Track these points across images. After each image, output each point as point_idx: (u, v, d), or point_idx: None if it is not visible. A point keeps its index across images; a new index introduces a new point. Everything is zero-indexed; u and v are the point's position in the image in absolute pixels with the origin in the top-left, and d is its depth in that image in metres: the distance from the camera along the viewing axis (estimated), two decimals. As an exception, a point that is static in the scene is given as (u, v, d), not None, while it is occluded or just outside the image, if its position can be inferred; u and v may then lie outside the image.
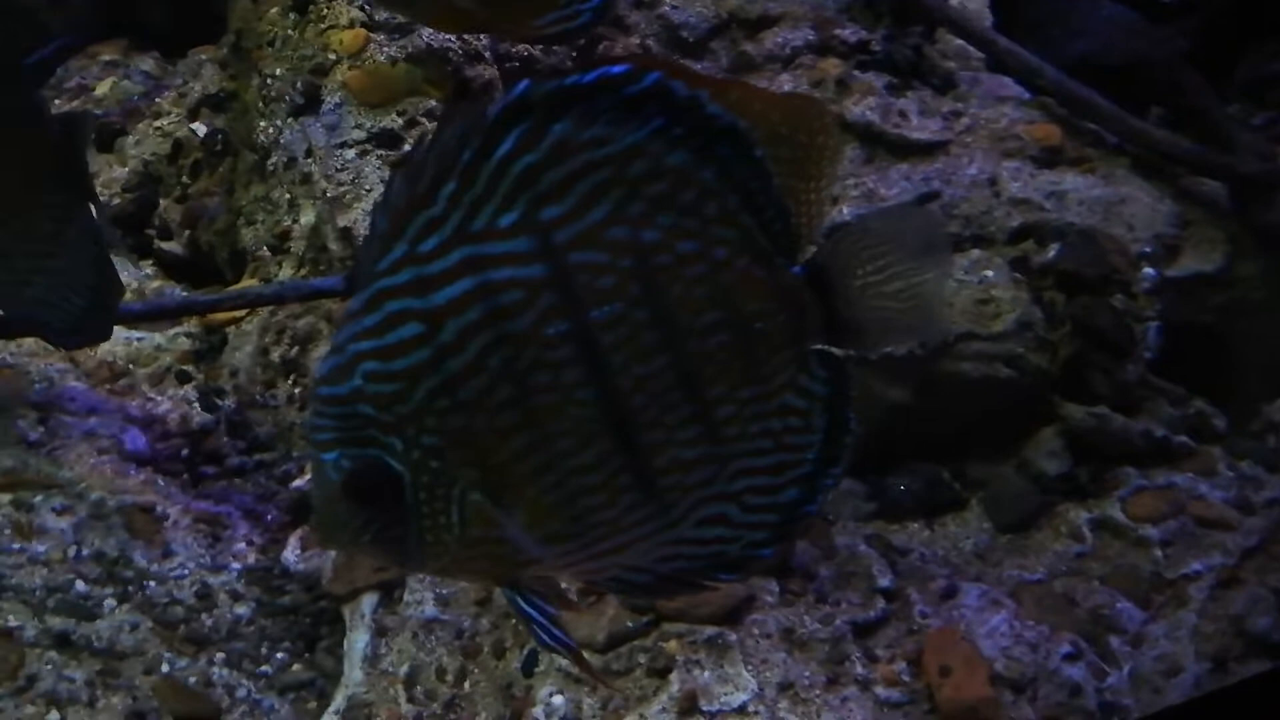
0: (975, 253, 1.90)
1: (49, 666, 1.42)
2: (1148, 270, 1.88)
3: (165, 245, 2.56)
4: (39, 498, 1.71)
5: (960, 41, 2.37)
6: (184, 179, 2.60)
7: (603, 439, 0.94)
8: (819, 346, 1.00)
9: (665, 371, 0.94)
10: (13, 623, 1.48)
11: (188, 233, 2.54)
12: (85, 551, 1.65)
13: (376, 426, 0.92)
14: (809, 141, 0.98)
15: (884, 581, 1.53)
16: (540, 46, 2.39)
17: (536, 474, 0.94)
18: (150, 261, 2.56)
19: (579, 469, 0.94)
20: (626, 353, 0.93)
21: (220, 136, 2.55)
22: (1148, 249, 1.95)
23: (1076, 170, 2.08)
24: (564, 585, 1.04)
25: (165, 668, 1.52)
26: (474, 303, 0.91)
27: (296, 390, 2.15)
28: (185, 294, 2.30)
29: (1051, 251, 1.87)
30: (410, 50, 2.26)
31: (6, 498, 1.70)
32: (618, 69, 0.92)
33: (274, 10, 2.37)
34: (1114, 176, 2.07)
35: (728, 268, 0.96)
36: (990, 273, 1.84)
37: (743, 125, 0.95)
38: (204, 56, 2.83)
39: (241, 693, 1.56)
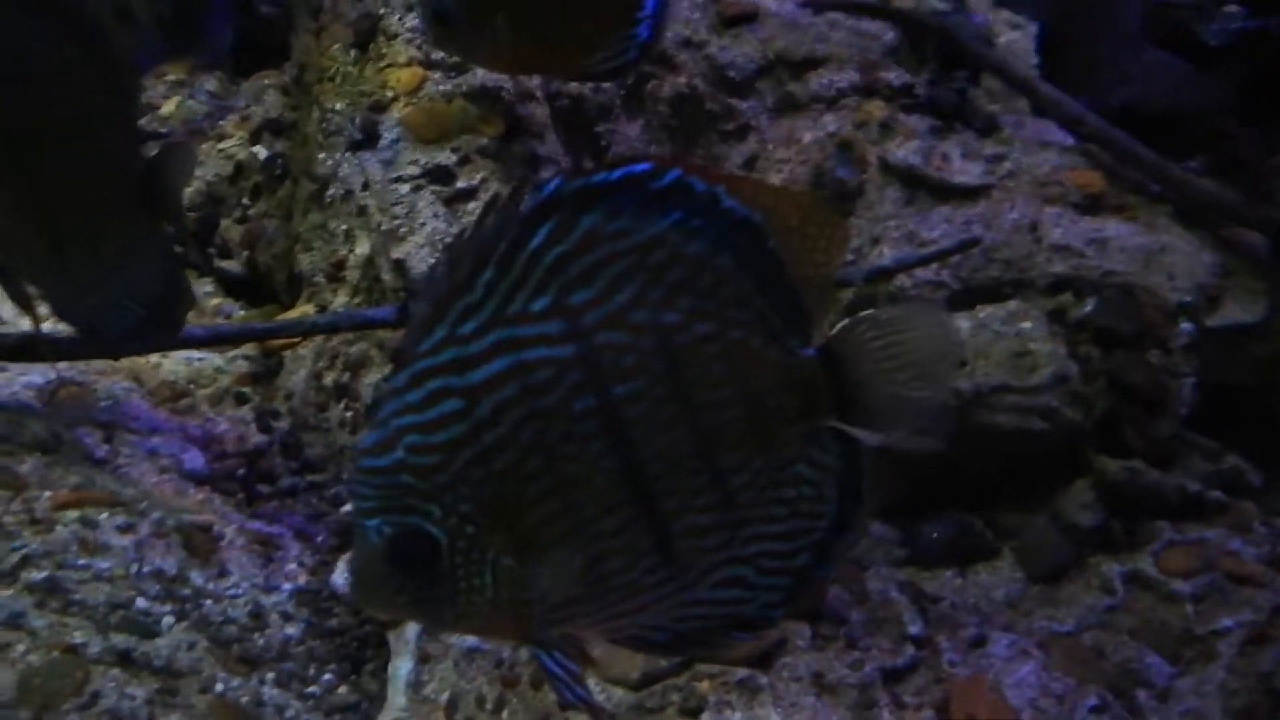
0: (1013, 304, 1.92)
1: (112, 684, 1.49)
2: (1185, 326, 1.89)
3: (225, 264, 2.66)
4: (104, 515, 1.78)
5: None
6: (244, 200, 2.69)
7: (625, 506, 1.01)
8: (832, 424, 1.06)
9: (683, 443, 1.01)
10: (78, 639, 1.55)
11: (246, 253, 2.63)
12: (146, 569, 1.72)
13: (416, 495, 0.99)
14: (817, 233, 1.05)
15: (914, 629, 1.56)
16: (589, 85, 2.45)
17: (563, 539, 1.00)
18: (210, 280, 2.65)
19: (602, 534, 1.01)
20: (647, 426, 1.00)
21: (280, 161, 2.64)
22: (1188, 299, 1.96)
23: (1118, 218, 2.10)
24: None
25: (219, 687, 1.58)
26: (509, 381, 0.99)
27: (348, 414, 2.22)
28: (243, 323, 2.38)
29: (1089, 305, 1.89)
30: (465, 89, 2.33)
31: (74, 514, 1.77)
32: (641, 166, 1.00)
33: (336, 46, 2.46)
34: (1155, 225, 2.08)
35: (742, 348, 1.03)
36: (1028, 324, 1.86)
37: (756, 217, 1.02)
38: (267, 81, 2.93)
39: (290, 713, 1.62)
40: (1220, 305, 1.96)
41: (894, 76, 2.42)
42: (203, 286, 2.64)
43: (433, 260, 2.07)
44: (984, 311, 1.92)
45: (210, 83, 3.08)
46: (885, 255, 2.16)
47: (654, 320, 1.00)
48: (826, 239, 1.05)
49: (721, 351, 1.02)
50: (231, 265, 2.68)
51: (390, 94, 2.33)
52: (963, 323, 1.89)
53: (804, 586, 1.07)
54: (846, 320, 1.06)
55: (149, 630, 1.62)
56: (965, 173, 2.26)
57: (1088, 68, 2.46)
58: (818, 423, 1.05)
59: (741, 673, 1.46)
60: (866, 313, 1.06)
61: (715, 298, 1.02)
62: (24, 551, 1.67)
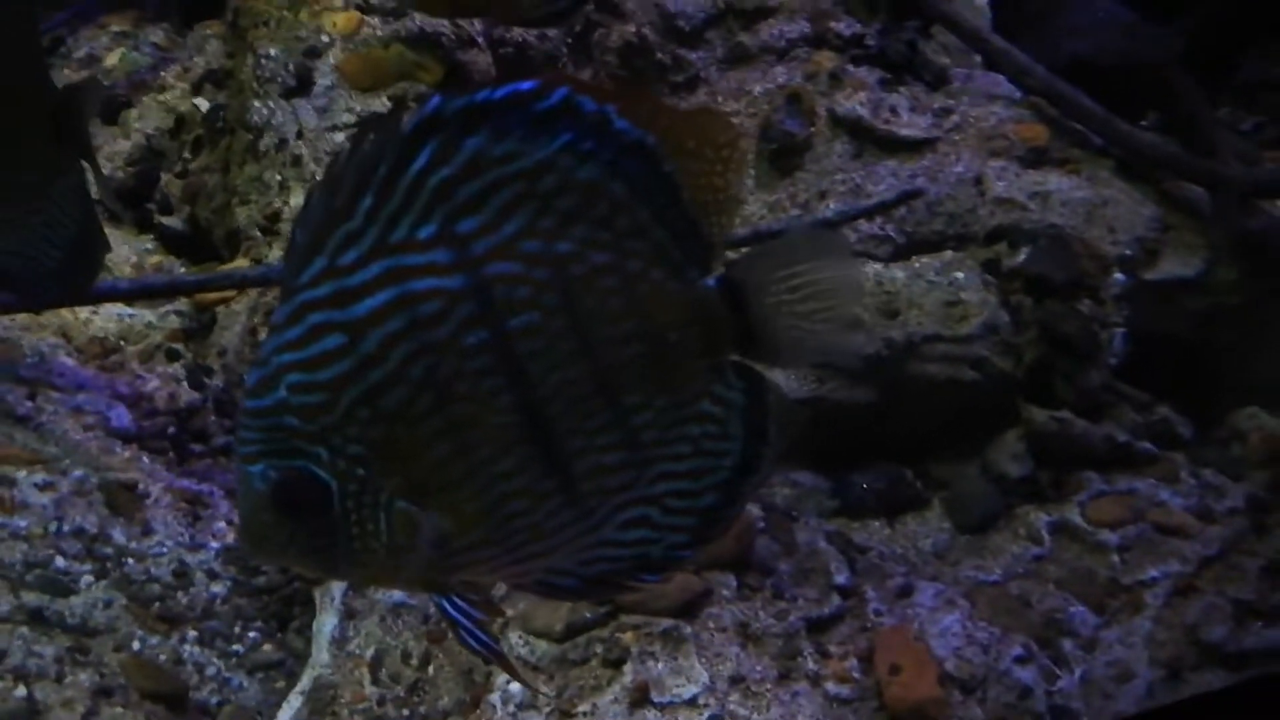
0: (948, 254, 1.90)
1: (19, 642, 1.46)
2: (1118, 276, 1.88)
3: (166, 220, 2.59)
4: (22, 473, 1.74)
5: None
6: (185, 154, 2.62)
7: (523, 445, 0.97)
8: (735, 358, 1.03)
9: (582, 379, 0.97)
10: (-12, 597, 1.52)
11: (188, 209, 2.56)
12: (66, 528, 1.68)
13: (302, 437, 0.94)
14: (716, 156, 1.00)
15: (841, 578, 1.56)
16: (534, 32, 2.40)
17: (460, 480, 0.96)
18: (151, 236, 2.59)
19: (501, 475, 0.97)
20: (544, 361, 0.96)
21: (222, 113, 2.57)
22: (1128, 252, 1.95)
23: (1061, 171, 2.08)
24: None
25: (136, 645, 1.56)
26: (394, 313, 0.94)
27: (283, 371, 2.17)
28: (172, 274, 2.33)
29: (1022, 255, 1.88)
30: (403, 34, 2.27)
31: (-9, 472, 1.73)
32: (527, 85, 0.95)
33: (271, -10, 2.39)
34: (1098, 178, 2.06)
35: (641, 279, 0.99)
36: (960, 275, 1.85)
37: (651, 140, 0.98)
38: (210, 31, 2.85)
39: (211, 670, 1.60)
40: (1159, 259, 1.96)
41: (844, 27, 2.38)
42: (143, 243, 2.58)
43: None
44: (919, 261, 1.90)
45: (156, 34, 2.99)
46: (830, 208, 2.14)
47: (547, 250, 0.96)
48: (724, 160, 1.00)
49: (619, 283, 0.98)
50: (172, 221, 2.61)
51: (326, 39, 2.26)
52: (897, 272, 1.87)
53: (711, 527, 1.04)
54: (746, 250, 1.03)
55: (65, 589, 1.59)
56: (912, 126, 2.23)
57: (1040, 19, 2.43)
58: (720, 357, 1.02)
59: (665, 623, 1.45)
60: (766, 246, 1.02)
61: (610, 227, 0.97)
62: (-64, 509, 1.63)
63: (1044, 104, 2.19)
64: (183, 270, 2.51)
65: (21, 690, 1.40)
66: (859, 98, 2.28)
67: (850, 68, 2.35)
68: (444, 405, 0.95)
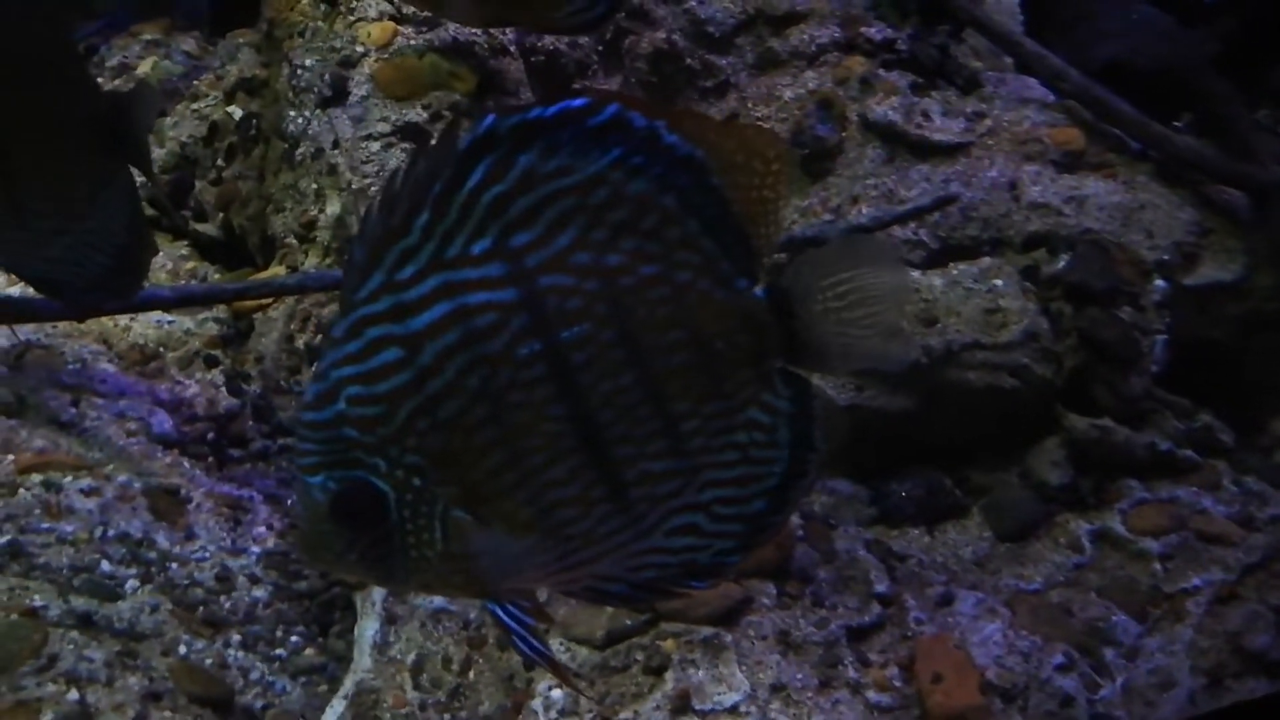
0: (986, 260, 1.89)
1: (71, 647, 1.48)
2: (1158, 282, 1.87)
3: (200, 227, 2.62)
4: (68, 478, 1.77)
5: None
6: (219, 162, 2.65)
7: (574, 453, 0.98)
8: (782, 366, 1.04)
9: (632, 388, 0.99)
10: (38, 602, 1.54)
11: (222, 215, 2.59)
12: (111, 532, 1.70)
13: (360, 449, 0.97)
14: (763, 168, 1.02)
15: (881, 587, 1.55)
16: (565, 40, 2.41)
17: (513, 489, 0.98)
18: (185, 242, 2.62)
19: (553, 483, 0.99)
20: (596, 371, 0.98)
21: (255, 121, 2.59)
22: (1166, 257, 1.94)
23: (1098, 175, 2.07)
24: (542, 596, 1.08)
25: (182, 649, 1.57)
26: (450, 326, 0.96)
27: (320, 377, 2.19)
28: (212, 284, 2.35)
29: (1061, 262, 1.87)
30: (437, 43, 2.29)
31: (38, 478, 1.75)
32: (579, 101, 0.97)
33: (305, 1, 2.41)
34: (1135, 183, 2.05)
35: (690, 290, 1.00)
36: (999, 282, 1.84)
37: (699, 154, 0.99)
38: (242, 39, 2.88)
39: (255, 675, 1.62)
40: (1198, 263, 1.94)
41: (875, 31, 2.38)
42: (178, 250, 2.61)
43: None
44: (956, 268, 1.90)
45: (187, 43, 3.02)
46: (864, 214, 2.14)
47: (598, 262, 0.97)
48: (771, 173, 1.02)
49: (668, 294, 0.99)
50: (207, 228, 2.64)
51: (360, 49, 2.28)
52: (935, 280, 1.86)
53: (759, 533, 1.05)
54: (794, 258, 1.04)
55: (112, 593, 1.61)
56: (945, 130, 2.23)
57: (1072, 23, 2.41)
58: (768, 365, 1.03)
59: (706, 631, 1.46)
60: (812, 253, 1.03)
61: (660, 239, 0.99)
62: (-14, 515, 1.66)
63: (1078, 108, 2.18)
64: (217, 276, 2.54)
65: (74, 694, 1.42)
66: (891, 102, 2.28)
67: (881, 72, 2.35)
68: (498, 415, 0.97)
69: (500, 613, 1.02)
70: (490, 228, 0.96)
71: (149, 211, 2.47)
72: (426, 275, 0.96)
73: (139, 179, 1.74)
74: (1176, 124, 2.18)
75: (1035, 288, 1.86)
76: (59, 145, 1.65)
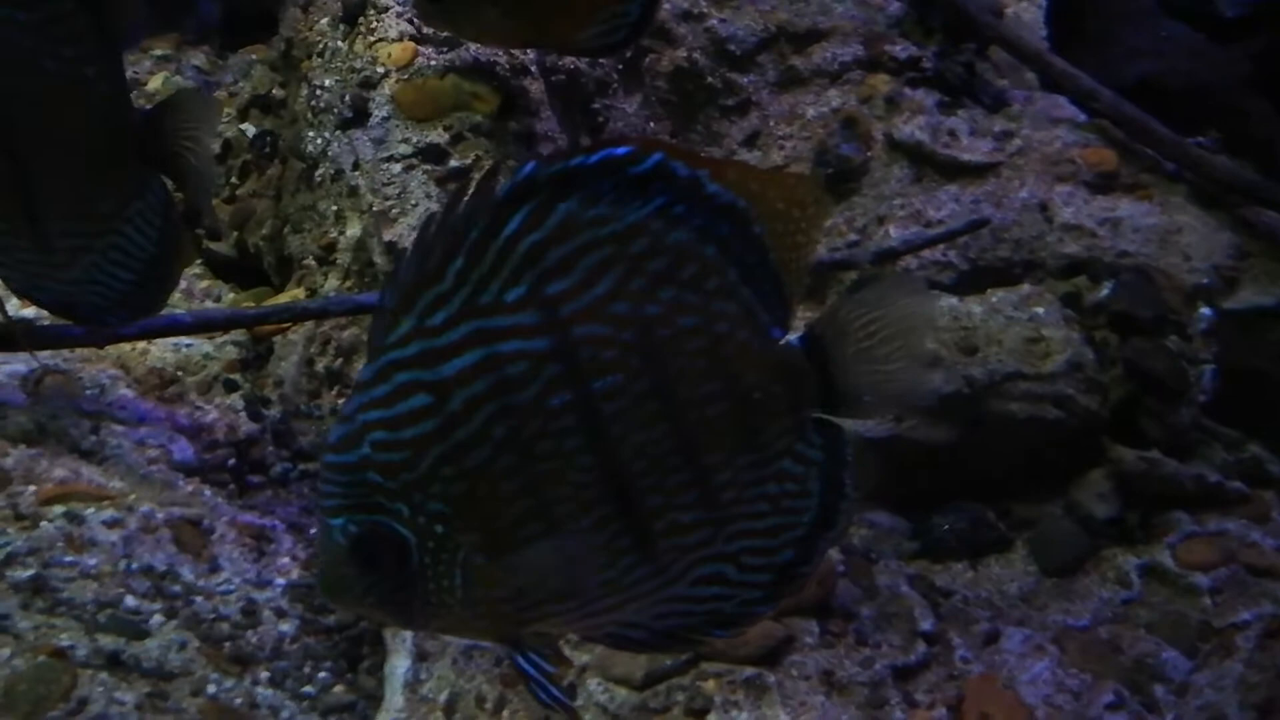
0: (1026, 288, 1.87)
1: (100, 689, 1.45)
2: (1204, 310, 1.85)
3: (214, 246, 2.59)
4: (90, 509, 1.74)
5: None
6: (233, 179, 2.62)
7: (603, 505, 0.97)
8: (816, 415, 1.03)
9: (665, 440, 0.98)
10: (65, 641, 1.51)
11: (235, 234, 2.56)
12: (135, 565, 1.67)
13: (383, 494, 0.96)
14: (801, 215, 1.01)
15: (925, 624, 1.53)
16: (585, 60, 2.39)
17: (538, 538, 0.97)
18: (199, 261, 2.59)
19: (579, 531, 0.97)
20: (627, 422, 0.97)
21: (269, 139, 2.57)
22: (1205, 280, 1.91)
23: (1132, 197, 2.05)
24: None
25: (212, 689, 1.54)
26: (481, 374, 0.95)
27: (340, 401, 2.17)
28: (232, 308, 2.32)
29: (1105, 290, 1.84)
30: (458, 64, 2.26)
31: (60, 509, 1.72)
32: (621, 150, 0.96)
33: (324, 20, 2.39)
34: (1170, 204, 2.03)
35: (728, 341, 1.00)
36: (1040, 310, 1.81)
37: (741, 204, 0.99)
38: (255, 56, 2.85)
39: (285, 714, 1.58)
40: (1237, 287, 1.92)
41: (900, 49, 2.36)
42: (191, 268, 2.58)
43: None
44: (995, 295, 1.87)
45: (197, 58, 3.00)
46: (892, 235, 2.11)
47: (635, 312, 0.96)
48: (808, 220, 1.01)
49: (706, 346, 0.99)
50: (220, 247, 2.61)
51: (381, 70, 2.26)
52: (974, 307, 1.84)
53: (787, 583, 1.04)
54: (829, 306, 1.02)
55: (138, 630, 1.58)
56: (973, 150, 2.21)
57: (1100, 40, 2.39)
58: (804, 414, 1.03)
59: (748, 671, 1.43)
60: (846, 297, 1.02)
61: (699, 289, 0.98)
62: (9, 549, 1.62)
63: (1110, 128, 2.16)
64: (231, 296, 2.51)
65: (105, 740, 1.39)
66: (917, 121, 2.26)
67: (907, 91, 2.33)
68: (525, 465, 0.96)
69: (520, 660, 1.01)
70: (525, 275, 0.95)
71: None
72: (458, 322, 0.95)
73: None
74: (1202, 140, 2.16)
75: (1078, 316, 1.83)
76: (82, 159, 1.61)
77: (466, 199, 0.94)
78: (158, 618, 1.61)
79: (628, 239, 0.96)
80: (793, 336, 1.03)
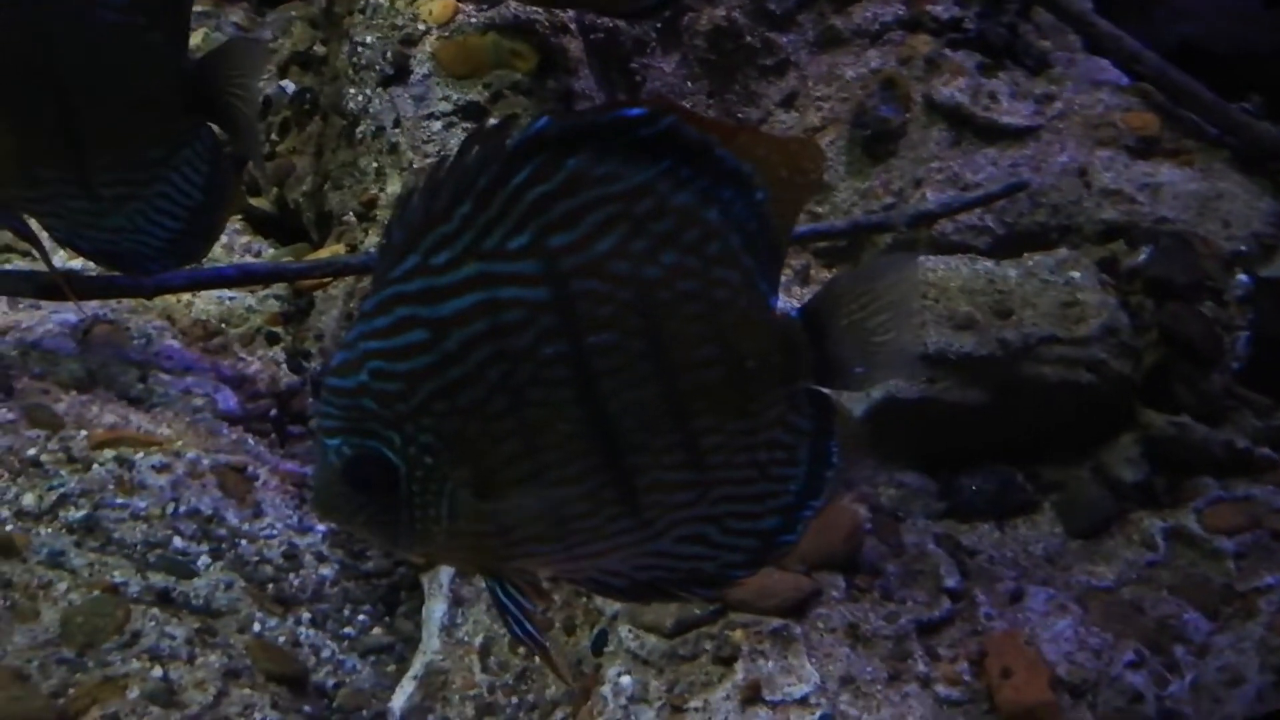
0: (1063, 252, 1.86)
1: (152, 624, 1.51)
2: (1241, 278, 1.83)
3: (254, 202, 2.63)
4: (140, 454, 1.79)
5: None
6: (273, 136, 2.65)
7: (589, 454, 0.99)
8: (808, 385, 1.05)
9: (656, 400, 1.00)
10: (118, 578, 1.57)
11: (275, 190, 2.60)
12: (182, 509, 1.73)
13: (378, 420, 0.99)
14: (802, 181, 1.02)
15: (951, 581, 1.55)
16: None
17: (524, 480, 0.99)
18: (239, 217, 2.63)
19: (565, 479, 1.00)
20: (619, 379, 0.99)
21: (309, 96, 2.59)
22: (1243, 248, 1.89)
23: (1173, 162, 2.02)
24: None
25: (257, 627, 1.60)
26: (478, 317, 0.97)
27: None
28: (275, 262, 2.36)
29: (1142, 255, 1.83)
30: (498, 21, 2.27)
31: (110, 453, 1.78)
32: (634, 110, 0.97)
33: (365, -23, 2.40)
34: (1212, 170, 2.01)
35: (726, 308, 1.01)
36: (1077, 274, 1.81)
37: (747, 169, 1.00)
38: (294, 13, 2.87)
39: (326, 653, 1.64)
40: (1276, 255, 1.90)
41: (941, 10, 2.33)
42: (232, 224, 2.62)
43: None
44: (1032, 259, 1.87)
45: (236, 14, 3.02)
46: (929, 198, 2.11)
47: (635, 273, 0.98)
48: (805, 185, 1.02)
49: (703, 310, 1.00)
50: (260, 203, 2.64)
51: (422, 27, 2.27)
52: (1010, 270, 1.84)
53: (769, 550, 1.06)
54: (825, 282, 1.04)
55: (187, 570, 1.64)
56: (1013, 113, 2.19)
57: (1146, 2, 2.35)
58: (798, 386, 1.04)
59: (775, 622, 1.46)
60: (843, 273, 1.04)
61: (700, 253, 1.00)
62: (62, 490, 1.69)
63: (1153, 91, 2.13)
64: (271, 251, 2.55)
65: (158, 671, 1.45)
66: (957, 83, 2.24)
67: (948, 52, 2.30)
68: (516, 409, 0.98)
69: (499, 593, 1.04)
70: (530, 225, 0.97)
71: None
72: (461, 263, 0.97)
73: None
74: (1245, 105, 2.13)
75: (1114, 280, 1.82)
76: (131, 106, 1.63)
77: (478, 145, 0.96)
78: (205, 559, 1.67)
79: (633, 198, 0.97)
80: (789, 308, 1.04)
